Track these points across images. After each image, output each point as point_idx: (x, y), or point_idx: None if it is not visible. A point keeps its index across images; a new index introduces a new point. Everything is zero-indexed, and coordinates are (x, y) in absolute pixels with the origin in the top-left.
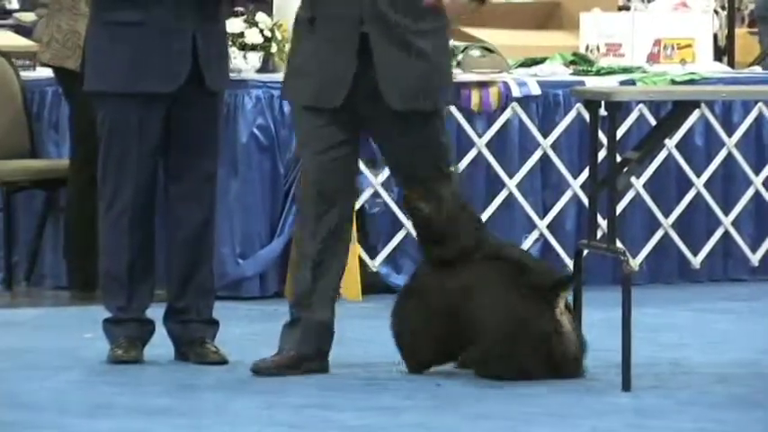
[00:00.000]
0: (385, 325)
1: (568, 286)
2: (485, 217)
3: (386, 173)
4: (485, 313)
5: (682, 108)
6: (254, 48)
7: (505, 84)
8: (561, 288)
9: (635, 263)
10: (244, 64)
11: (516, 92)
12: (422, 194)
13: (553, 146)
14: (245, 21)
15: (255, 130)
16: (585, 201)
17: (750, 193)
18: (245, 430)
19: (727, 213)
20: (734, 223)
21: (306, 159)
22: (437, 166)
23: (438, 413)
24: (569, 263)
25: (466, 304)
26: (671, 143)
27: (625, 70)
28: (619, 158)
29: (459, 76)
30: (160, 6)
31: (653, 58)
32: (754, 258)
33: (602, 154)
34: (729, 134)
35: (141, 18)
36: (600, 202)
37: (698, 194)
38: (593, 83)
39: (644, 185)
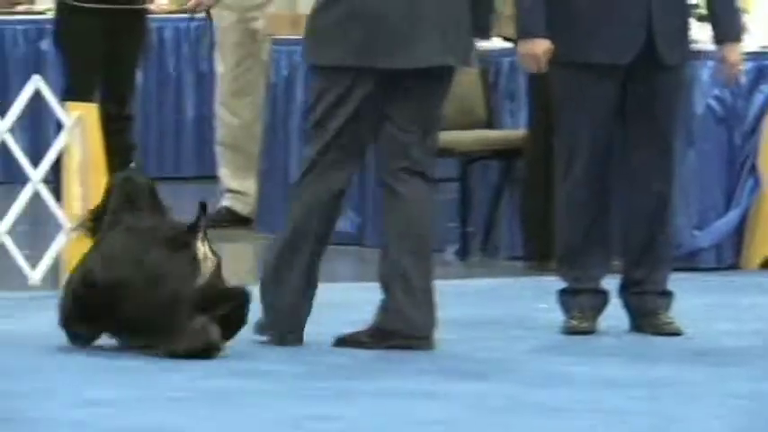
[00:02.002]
0: None
1: (199, 226)
2: None
3: None
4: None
5: None
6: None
7: None
8: (195, 230)
9: None
10: (701, 35)
11: None
12: None
13: None
14: None
15: (712, 102)
16: None
17: None
18: (701, 402)
19: None
20: None
21: None
22: None
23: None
24: None
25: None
26: None
27: None
28: None
29: None
30: None
31: None
32: None
33: None
34: None
35: None
36: None
37: None
38: None
39: None
